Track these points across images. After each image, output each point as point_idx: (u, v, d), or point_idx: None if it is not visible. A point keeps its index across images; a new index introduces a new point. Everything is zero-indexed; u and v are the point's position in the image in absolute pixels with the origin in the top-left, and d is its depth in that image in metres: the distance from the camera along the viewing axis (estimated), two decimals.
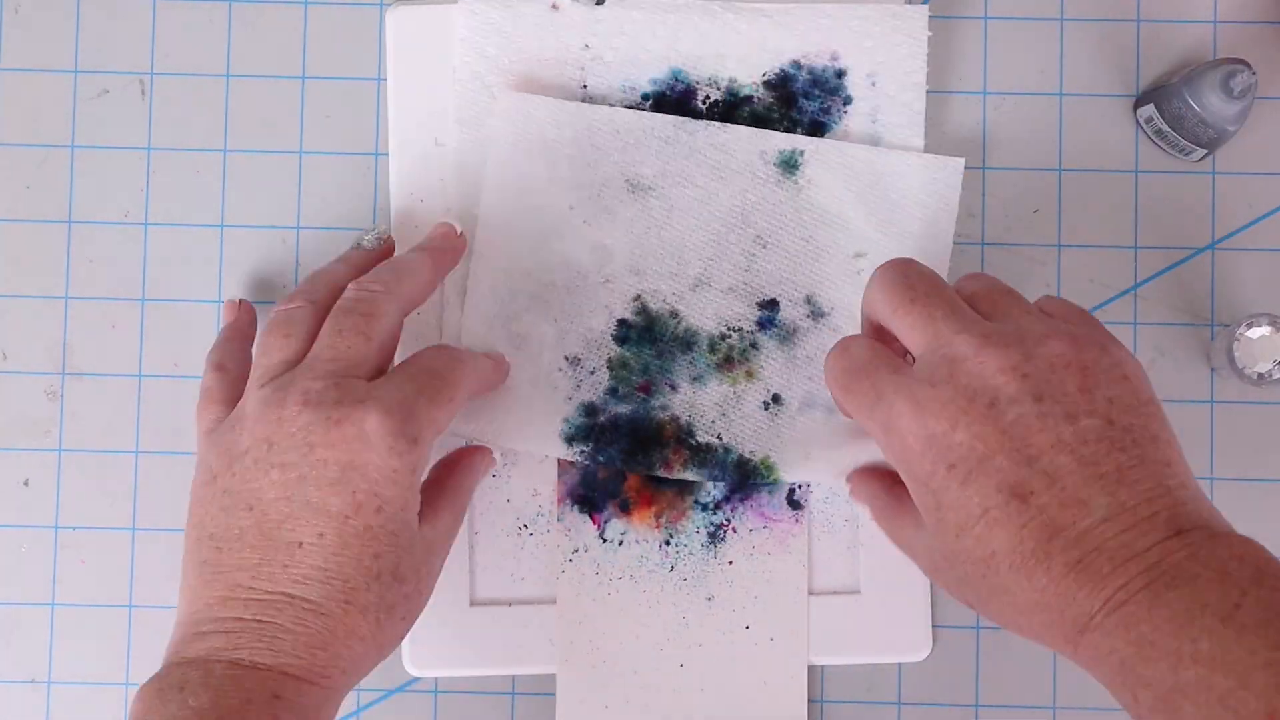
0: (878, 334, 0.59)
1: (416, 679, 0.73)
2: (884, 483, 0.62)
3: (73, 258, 0.74)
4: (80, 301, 0.74)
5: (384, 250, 0.69)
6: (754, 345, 0.71)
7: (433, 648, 0.72)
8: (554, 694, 0.72)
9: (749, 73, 0.72)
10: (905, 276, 0.56)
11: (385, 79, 0.74)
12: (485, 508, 0.72)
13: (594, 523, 0.71)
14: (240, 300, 0.71)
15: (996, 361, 0.51)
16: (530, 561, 0.72)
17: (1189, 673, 0.45)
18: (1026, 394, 0.50)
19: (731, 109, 0.72)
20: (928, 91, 0.73)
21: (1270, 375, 0.68)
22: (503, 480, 0.72)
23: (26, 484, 0.74)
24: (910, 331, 0.54)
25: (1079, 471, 0.49)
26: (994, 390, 0.50)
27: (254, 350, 0.65)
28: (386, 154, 0.74)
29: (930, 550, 0.55)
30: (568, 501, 0.71)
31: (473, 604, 0.72)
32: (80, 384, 0.74)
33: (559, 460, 0.72)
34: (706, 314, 0.71)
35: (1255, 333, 0.68)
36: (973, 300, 0.56)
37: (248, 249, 0.74)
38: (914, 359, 0.54)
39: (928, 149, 0.72)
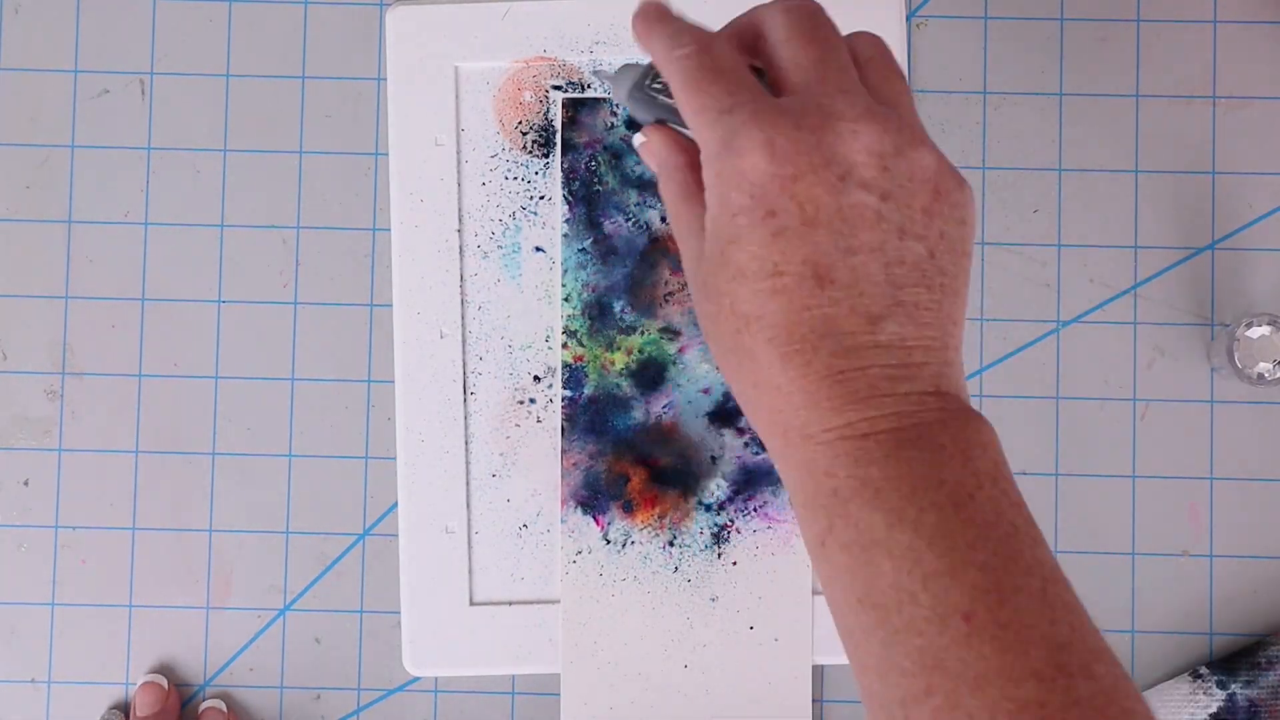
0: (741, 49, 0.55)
1: (416, 679, 0.73)
2: (686, 157, 0.54)
3: (73, 258, 0.74)
4: (80, 301, 0.74)
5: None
6: None
7: (433, 647, 0.72)
8: (554, 693, 0.72)
9: None
10: (814, 15, 0.52)
11: (385, 79, 0.74)
12: (485, 508, 0.72)
13: (597, 524, 0.71)
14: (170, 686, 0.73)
15: (870, 139, 0.47)
16: (530, 561, 0.72)
17: (903, 536, 0.44)
18: (878, 186, 0.47)
19: None
20: (927, 92, 0.73)
21: (1270, 375, 0.68)
22: (503, 480, 0.72)
23: (26, 484, 0.73)
24: (794, 66, 0.50)
25: (883, 286, 0.46)
26: (851, 165, 0.47)
27: None
28: (386, 154, 0.74)
29: (696, 261, 0.50)
30: (571, 503, 0.71)
31: (473, 604, 0.72)
32: (80, 384, 0.74)
33: (561, 462, 0.72)
34: None
35: (1255, 333, 0.68)
36: (861, 63, 0.52)
37: (248, 249, 0.74)
38: (776, 90, 0.51)
39: None
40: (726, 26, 0.53)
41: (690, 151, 0.53)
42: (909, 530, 0.44)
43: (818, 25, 0.51)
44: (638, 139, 0.56)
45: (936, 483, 0.44)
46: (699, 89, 0.50)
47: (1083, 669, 0.42)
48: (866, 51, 0.52)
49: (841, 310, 0.46)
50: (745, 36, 0.53)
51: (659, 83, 0.55)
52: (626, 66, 0.56)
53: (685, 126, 0.52)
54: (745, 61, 0.51)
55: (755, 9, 0.53)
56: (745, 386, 0.48)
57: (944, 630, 0.42)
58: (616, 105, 0.73)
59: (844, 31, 0.52)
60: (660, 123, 0.55)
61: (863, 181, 0.47)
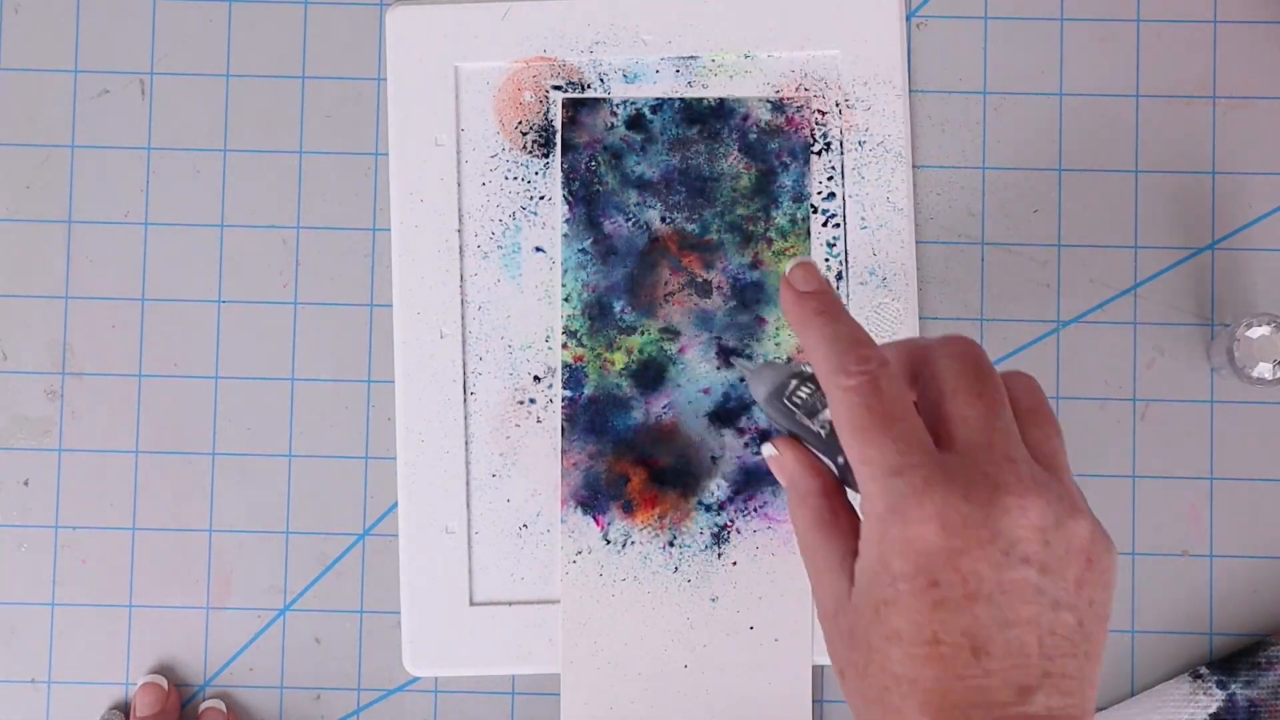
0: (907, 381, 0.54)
1: (416, 679, 0.73)
2: (822, 482, 0.54)
3: (73, 258, 0.74)
4: (80, 301, 0.74)
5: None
6: None
7: (432, 647, 0.72)
8: (554, 693, 0.72)
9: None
10: (981, 366, 0.51)
11: (385, 79, 0.74)
12: (485, 508, 0.72)
13: (597, 525, 0.71)
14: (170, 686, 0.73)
15: (1034, 515, 0.47)
16: (530, 561, 0.72)
17: None
18: (1039, 560, 0.47)
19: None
20: (927, 92, 0.73)
21: (1270, 375, 0.68)
22: (503, 480, 0.72)
23: (26, 484, 0.73)
24: (961, 422, 0.50)
25: (1036, 659, 0.47)
26: (1015, 540, 0.47)
27: None
28: (386, 154, 0.74)
29: (836, 601, 0.51)
30: (571, 503, 0.71)
31: (472, 604, 0.72)
32: (80, 384, 0.74)
33: (561, 462, 0.72)
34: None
35: (1255, 333, 0.68)
36: (1020, 414, 0.52)
37: (248, 249, 0.74)
38: (938, 441, 0.50)
39: (928, 148, 0.72)
40: (891, 348, 0.53)
41: (826, 476, 0.54)
42: None
43: (985, 378, 0.51)
44: (767, 449, 0.55)
45: None
46: (868, 439, 0.49)
47: None
48: (1025, 401, 0.52)
49: (994, 682, 0.46)
50: (910, 368, 0.53)
51: (800, 394, 0.54)
52: (769, 365, 0.55)
53: (823, 451, 0.53)
54: (912, 400, 0.51)
55: (922, 344, 0.53)
56: None
57: None
58: (616, 106, 0.73)
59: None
60: (793, 435, 0.54)
61: (1025, 556, 0.47)
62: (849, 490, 0.53)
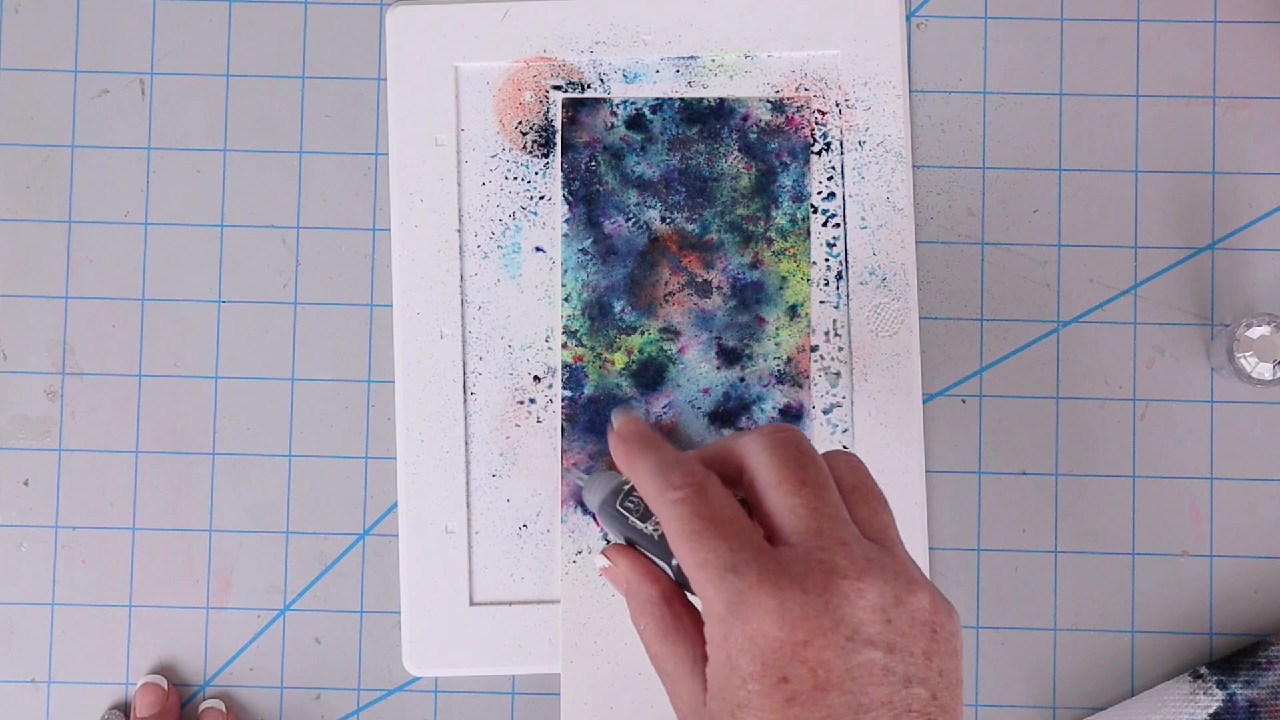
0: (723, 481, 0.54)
1: (416, 679, 0.73)
2: (660, 589, 0.54)
3: (73, 258, 0.74)
4: (80, 301, 0.74)
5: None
6: None
7: (432, 647, 0.72)
8: (553, 693, 0.72)
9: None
10: (800, 452, 0.52)
11: (385, 79, 0.74)
12: (485, 508, 0.72)
13: (598, 525, 0.71)
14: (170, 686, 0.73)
15: (873, 596, 0.48)
16: (530, 561, 0.72)
17: None
18: (883, 641, 0.48)
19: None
20: (927, 92, 0.73)
21: (1270, 375, 0.68)
22: (503, 480, 0.72)
23: (26, 484, 0.73)
24: (788, 513, 0.50)
25: None
26: (858, 624, 0.47)
27: None
28: (386, 154, 0.74)
29: (693, 709, 0.51)
30: (571, 503, 0.72)
31: (472, 604, 0.72)
32: (80, 384, 0.74)
33: (561, 462, 0.72)
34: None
35: (1255, 333, 0.68)
36: (845, 493, 0.53)
37: (248, 249, 0.74)
38: (769, 534, 0.51)
39: (928, 148, 0.72)
40: (710, 452, 0.54)
41: (663, 582, 0.54)
42: None
43: (805, 465, 0.51)
44: (599, 561, 0.56)
45: None
46: (700, 543, 0.49)
47: None
48: (849, 479, 0.53)
49: None
50: (729, 469, 0.53)
51: (631, 501, 0.54)
52: (603, 474, 0.56)
53: (657, 555, 0.53)
54: (744, 513, 0.51)
55: (734, 440, 0.54)
56: None
57: None
58: (616, 106, 0.73)
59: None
60: (628, 543, 0.55)
61: (869, 639, 0.47)
62: (688, 593, 0.53)
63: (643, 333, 0.72)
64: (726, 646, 0.48)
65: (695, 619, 0.52)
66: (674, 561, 0.53)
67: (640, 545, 0.54)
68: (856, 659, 0.47)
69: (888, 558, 0.49)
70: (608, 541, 0.56)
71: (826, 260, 0.72)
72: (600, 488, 0.56)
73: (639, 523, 0.54)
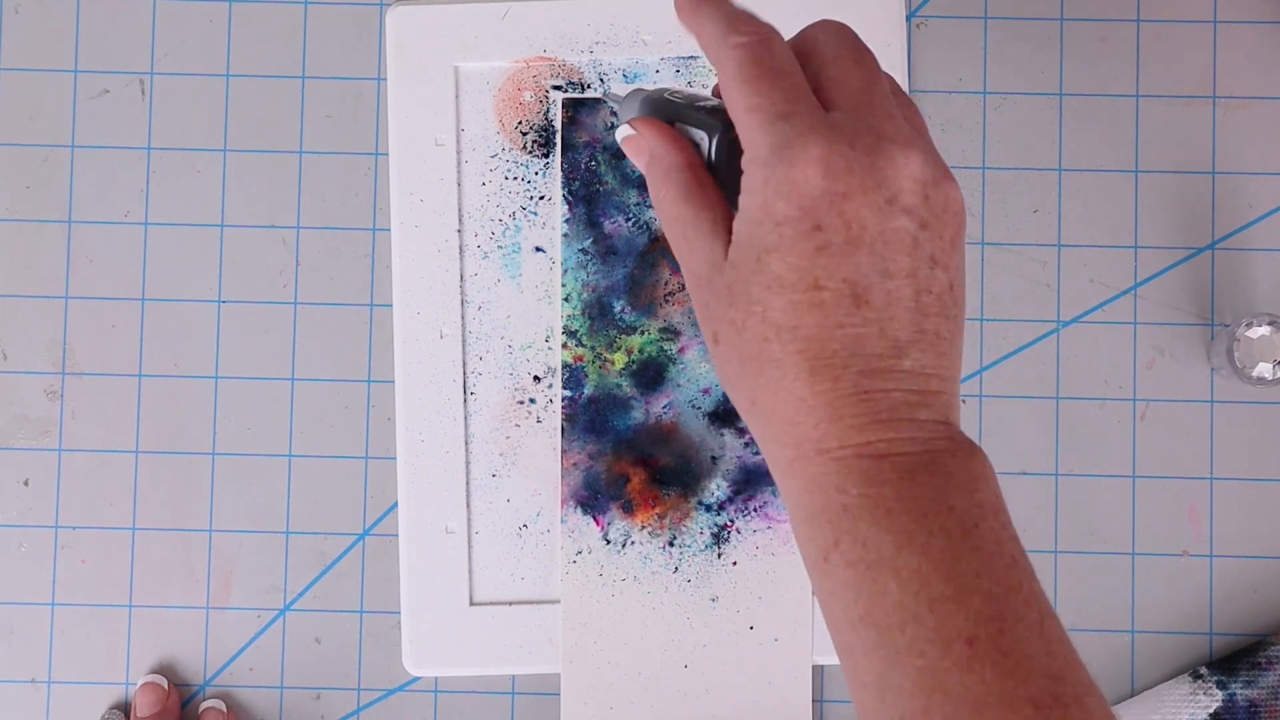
0: None
1: (416, 679, 0.73)
2: (685, 156, 0.52)
3: (73, 258, 0.74)
4: (80, 301, 0.74)
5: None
6: None
7: (432, 647, 0.72)
8: (554, 693, 0.72)
9: None
10: (859, 41, 0.51)
11: (385, 79, 0.74)
12: (485, 508, 0.72)
13: (597, 525, 0.71)
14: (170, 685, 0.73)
15: (915, 167, 0.47)
16: (530, 561, 0.72)
17: (911, 559, 0.44)
18: (918, 214, 0.47)
19: None
20: (927, 92, 0.73)
21: (1270, 375, 0.68)
22: (503, 480, 0.72)
23: (26, 484, 0.73)
24: (843, 85, 0.49)
25: (912, 314, 0.47)
26: (898, 190, 0.47)
27: None
28: (386, 154, 0.74)
29: (710, 265, 0.50)
30: (571, 503, 0.72)
31: (473, 604, 0.72)
32: (80, 384, 0.74)
33: (561, 462, 0.72)
34: None
35: (1255, 333, 0.68)
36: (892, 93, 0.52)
37: (248, 249, 0.74)
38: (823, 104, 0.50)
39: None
40: None
41: (688, 150, 0.53)
42: (918, 553, 0.44)
43: (863, 50, 0.51)
44: (622, 131, 0.55)
45: (945, 509, 0.45)
46: (755, 88, 0.48)
47: (1076, 700, 0.43)
48: (892, 84, 0.52)
49: (872, 331, 0.46)
50: (794, 49, 0.52)
51: (680, 93, 0.54)
52: (638, 89, 0.55)
53: (698, 125, 0.52)
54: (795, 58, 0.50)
55: (802, 31, 0.52)
56: (761, 395, 0.48)
57: (946, 653, 0.43)
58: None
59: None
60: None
61: (906, 207, 0.47)
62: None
63: (643, 333, 0.72)
64: (764, 191, 0.47)
65: (717, 191, 0.51)
66: (713, 139, 0.51)
67: (682, 122, 0.53)
68: (891, 223, 0.47)
69: (928, 143, 0.50)
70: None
71: None
72: (638, 95, 0.54)
73: (684, 103, 0.53)
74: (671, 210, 0.51)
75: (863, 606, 0.45)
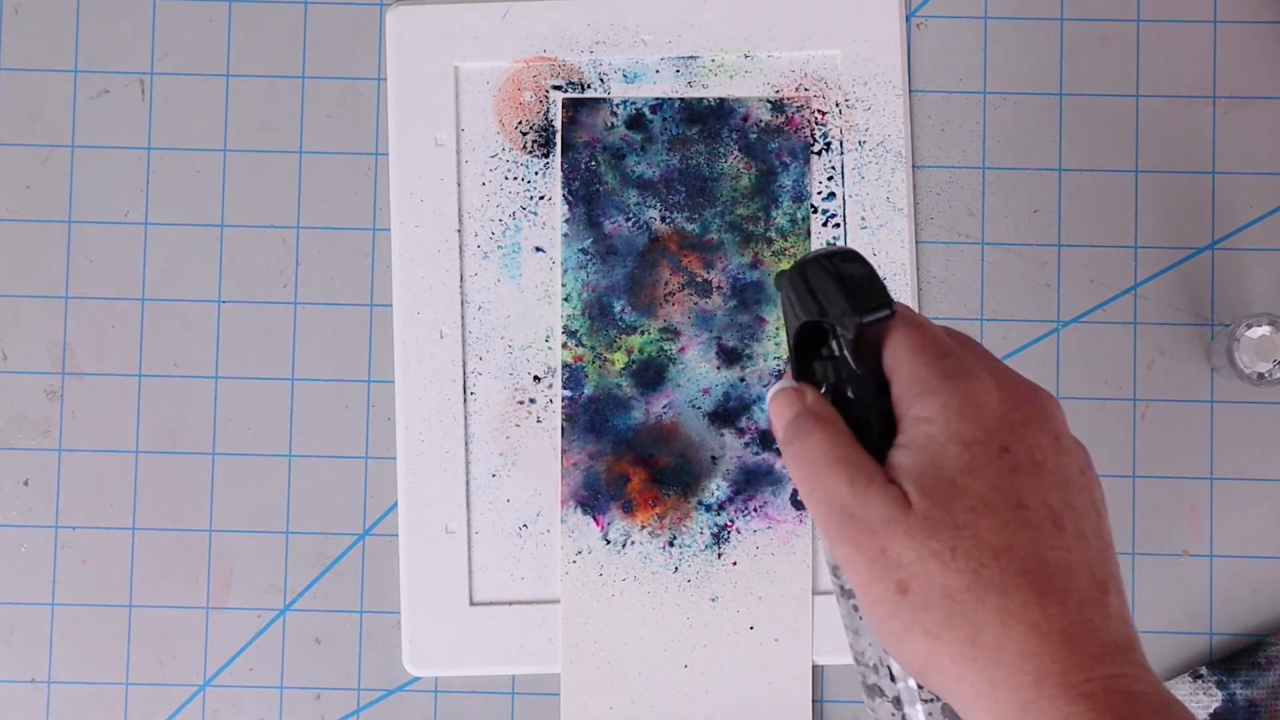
0: None
1: (416, 679, 0.73)
2: (834, 413, 0.49)
3: (73, 258, 0.74)
4: (80, 301, 0.74)
5: None
6: None
7: (432, 648, 0.72)
8: (554, 693, 0.72)
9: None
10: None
11: (385, 79, 0.74)
12: (485, 508, 0.72)
13: (597, 525, 0.71)
14: None
15: (1064, 417, 0.47)
16: (530, 561, 0.72)
17: None
18: (1078, 457, 0.47)
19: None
20: (927, 92, 0.73)
21: (1270, 375, 0.68)
22: (503, 480, 0.72)
23: (26, 484, 0.73)
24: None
25: (1099, 549, 0.46)
26: (1060, 430, 0.46)
27: None
28: (386, 154, 0.74)
29: (894, 505, 0.45)
30: (571, 503, 0.72)
31: (473, 604, 0.72)
32: (80, 384, 0.74)
33: (561, 462, 0.72)
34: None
35: (1255, 333, 0.68)
36: None
37: (248, 249, 0.74)
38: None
39: (928, 148, 0.72)
40: None
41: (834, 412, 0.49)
42: None
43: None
44: (777, 385, 0.51)
45: None
46: (923, 336, 0.48)
47: None
48: None
49: (1075, 559, 0.44)
50: None
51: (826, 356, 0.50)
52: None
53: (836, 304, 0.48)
54: None
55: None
56: (984, 631, 0.44)
57: None
58: (616, 106, 0.73)
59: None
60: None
61: (1069, 448, 0.47)
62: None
63: (643, 333, 0.72)
64: (944, 414, 0.46)
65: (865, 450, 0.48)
66: (849, 329, 0.48)
67: (824, 294, 0.49)
68: (1062, 458, 0.46)
69: None
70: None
71: None
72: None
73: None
74: (830, 453, 0.47)
75: None
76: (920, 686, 0.48)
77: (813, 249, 0.50)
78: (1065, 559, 0.44)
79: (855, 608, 0.49)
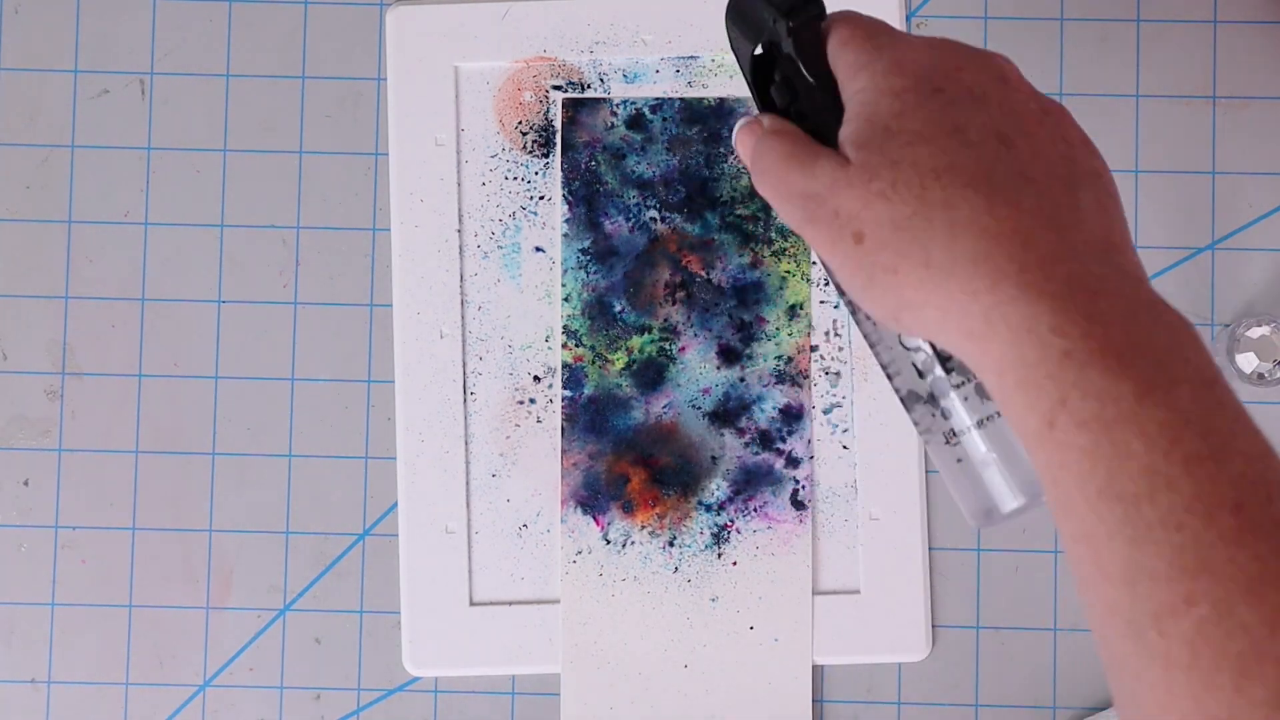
0: None
1: (416, 679, 0.73)
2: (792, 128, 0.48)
3: (73, 258, 0.74)
4: (80, 301, 0.74)
5: None
6: None
7: (432, 648, 0.72)
8: (554, 693, 0.72)
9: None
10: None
11: (385, 79, 0.74)
12: (485, 508, 0.72)
13: (597, 525, 0.71)
14: None
15: (1016, 69, 0.45)
16: (530, 561, 0.72)
17: (1157, 411, 0.37)
18: (1038, 98, 0.45)
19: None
20: None
21: (1270, 375, 0.68)
22: (503, 480, 0.72)
23: (26, 484, 0.73)
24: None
25: (1065, 167, 0.43)
26: (1007, 74, 0.45)
27: None
28: (386, 154, 0.74)
29: (836, 165, 0.44)
30: (571, 503, 0.72)
31: (473, 604, 0.72)
32: (80, 384, 0.74)
33: (561, 462, 0.72)
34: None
35: (1255, 333, 0.68)
36: None
37: (248, 249, 0.74)
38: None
39: None
40: None
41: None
42: (1162, 405, 0.37)
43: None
44: (739, 123, 0.50)
45: (1181, 358, 0.39)
46: (858, 26, 0.47)
47: None
48: None
49: (1034, 171, 0.42)
50: None
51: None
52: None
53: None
54: None
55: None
56: (935, 247, 0.41)
57: (1209, 524, 0.36)
58: (616, 106, 0.73)
59: None
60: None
61: (1020, 87, 0.44)
62: None
63: (643, 333, 0.72)
64: (872, 73, 0.44)
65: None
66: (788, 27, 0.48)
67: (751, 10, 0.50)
68: (1014, 96, 0.44)
69: None
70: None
71: None
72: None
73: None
74: (784, 153, 0.47)
75: (1102, 476, 0.38)
76: (948, 371, 0.47)
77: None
78: (1019, 170, 0.42)
79: (866, 318, 0.49)
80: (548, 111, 0.73)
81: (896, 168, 0.42)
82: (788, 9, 0.47)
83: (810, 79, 0.48)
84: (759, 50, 0.50)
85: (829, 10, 0.48)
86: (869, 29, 0.46)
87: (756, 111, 0.50)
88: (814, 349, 0.72)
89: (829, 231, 0.44)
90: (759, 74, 0.50)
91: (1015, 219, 0.41)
